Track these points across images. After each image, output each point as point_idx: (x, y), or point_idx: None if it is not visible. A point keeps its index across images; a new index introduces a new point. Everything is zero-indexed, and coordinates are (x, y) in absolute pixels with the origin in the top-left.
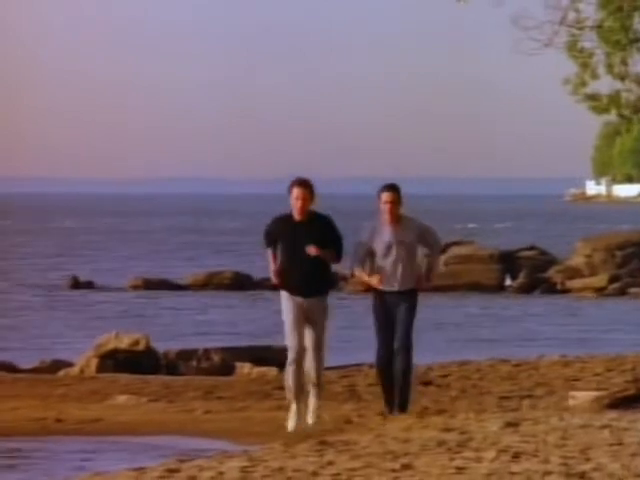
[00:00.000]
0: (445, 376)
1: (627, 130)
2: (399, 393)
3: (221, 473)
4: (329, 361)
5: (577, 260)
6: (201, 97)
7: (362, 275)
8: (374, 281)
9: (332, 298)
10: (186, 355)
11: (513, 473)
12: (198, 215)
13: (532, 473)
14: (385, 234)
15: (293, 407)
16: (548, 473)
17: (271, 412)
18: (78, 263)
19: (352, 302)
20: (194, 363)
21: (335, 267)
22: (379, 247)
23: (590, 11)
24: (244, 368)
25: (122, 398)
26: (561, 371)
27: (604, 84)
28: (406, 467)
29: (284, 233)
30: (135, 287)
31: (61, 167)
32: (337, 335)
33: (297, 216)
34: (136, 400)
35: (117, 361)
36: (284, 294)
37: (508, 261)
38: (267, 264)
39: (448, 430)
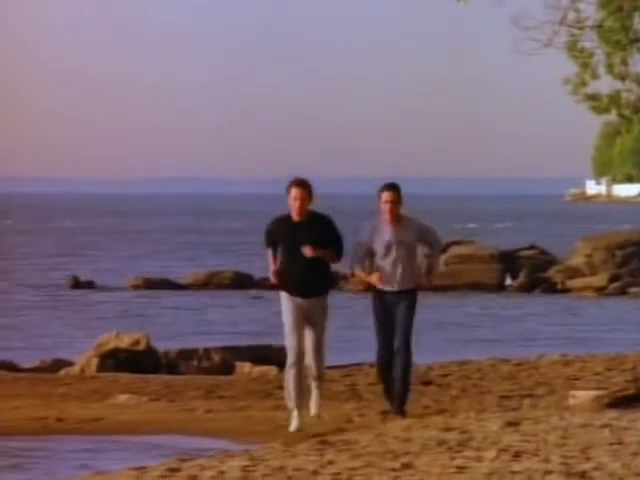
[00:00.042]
0: (445, 375)
1: (627, 130)
2: (398, 393)
3: (222, 472)
4: (330, 360)
5: (577, 260)
6: (201, 97)
7: (362, 274)
8: (374, 279)
9: (332, 298)
10: (186, 354)
11: (514, 472)
12: (198, 215)
13: (533, 472)
14: (385, 234)
15: (295, 412)
16: (549, 472)
17: (272, 411)
18: (78, 263)
19: (352, 302)
20: (194, 362)
21: (335, 266)
22: (379, 247)
23: (590, 11)
24: (244, 367)
25: (123, 397)
26: (561, 370)
27: (604, 84)
28: (406, 466)
29: (283, 234)
30: (135, 287)
31: (61, 167)
32: (337, 335)
33: (296, 217)
34: (137, 399)
35: (118, 360)
36: (284, 295)
37: (508, 261)
38: (267, 264)
39: (449, 429)
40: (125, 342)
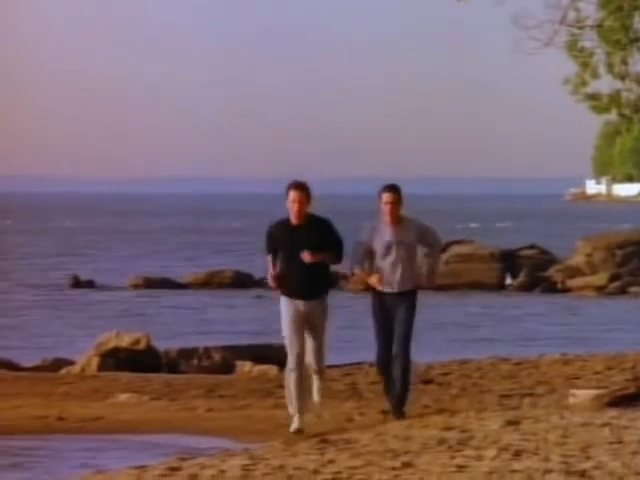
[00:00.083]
0: (446, 374)
1: (627, 130)
2: (397, 394)
3: (222, 471)
4: (330, 360)
5: (577, 259)
6: (201, 97)
7: (362, 274)
8: (373, 281)
9: (332, 297)
10: (187, 354)
11: (514, 471)
12: (198, 215)
13: (533, 471)
14: (385, 234)
15: (295, 417)
16: (549, 471)
17: (272, 410)
18: (79, 263)
19: (352, 301)
20: (195, 362)
21: (335, 266)
22: (379, 247)
23: (590, 10)
24: (245, 366)
25: (123, 396)
26: (562, 369)
27: (604, 84)
28: (407, 465)
29: (283, 238)
30: (136, 286)
31: (61, 166)
32: (337, 334)
33: (294, 220)
34: (137, 398)
35: (118, 360)
36: (283, 299)
37: (508, 260)
38: (266, 268)
39: (449, 428)
40: (125, 341)
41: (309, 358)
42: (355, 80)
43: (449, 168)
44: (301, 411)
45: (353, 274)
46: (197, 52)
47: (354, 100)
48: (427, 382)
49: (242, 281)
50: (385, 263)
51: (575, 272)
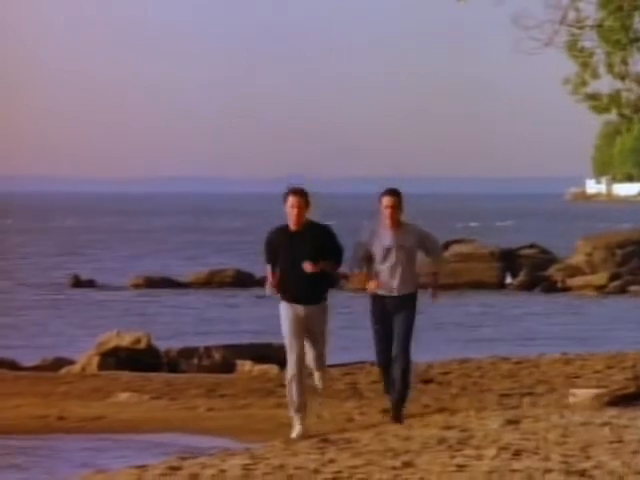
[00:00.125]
0: (446, 374)
1: (627, 129)
2: (396, 394)
3: (223, 471)
4: (330, 359)
5: (577, 258)
6: (201, 97)
7: (360, 276)
8: (371, 286)
9: (333, 297)
10: (187, 353)
11: (514, 470)
12: (198, 214)
13: (533, 471)
14: (385, 238)
15: (297, 422)
16: (549, 471)
17: (273, 410)
18: (79, 262)
19: (352, 301)
20: (195, 361)
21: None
22: (378, 251)
23: (590, 10)
24: (245, 366)
25: (124, 396)
26: (562, 369)
27: (604, 83)
28: (407, 465)
29: (282, 244)
30: (136, 285)
31: (61, 166)
32: (338, 334)
33: (293, 226)
34: (138, 398)
35: (119, 359)
36: (283, 304)
37: (509, 259)
38: (266, 275)
39: (449, 428)
40: (126, 341)
41: (310, 363)
42: (355, 80)
43: (449, 168)
44: (303, 417)
45: (352, 274)
46: (197, 52)
47: (354, 100)
48: (427, 381)
49: (243, 280)
50: (384, 267)
51: (575, 271)
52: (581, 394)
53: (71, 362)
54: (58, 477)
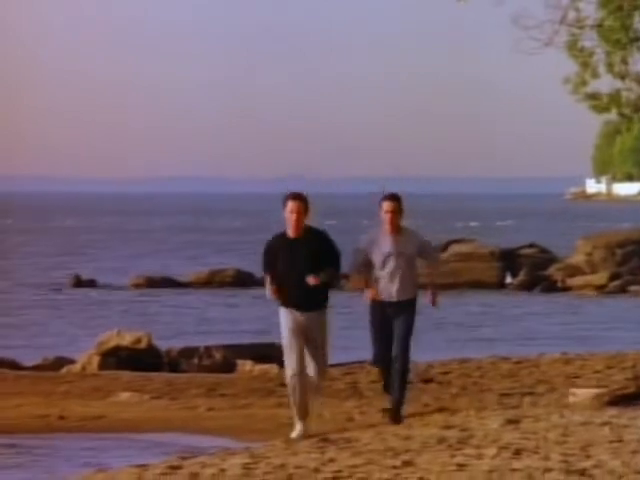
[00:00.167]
0: (446, 373)
1: (627, 129)
2: (395, 394)
3: (223, 470)
4: (331, 359)
5: (577, 258)
6: (201, 97)
7: (360, 281)
8: (369, 295)
9: (333, 297)
10: (188, 353)
11: (514, 470)
12: (198, 214)
13: (533, 470)
14: (385, 244)
15: (298, 422)
16: (549, 470)
17: (273, 409)
18: (80, 262)
19: (353, 300)
20: (196, 361)
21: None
22: (377, 258)
23: (590, 10)
24: (246, 365)
25: (125, 395)
26: (562, 368)
27: (604, 83)
28: (407, 464)
29: (281, 251)
30: (137, 285)
31: (61, 166)
32: (338, 333)
33: (292, 233)
34: (139, 397)
35: (119, 359)
36: (283, 310)
37: (509, 259)
38: (266, 284)
39: (449, 427)
40: (127, 340)
41: (309, 372)
42: (355, 80)
43: (449, 168)
44: (303, 417)
45: (352, 276)
46: (197, 52)
47: (354, 100)
48: (427, 381)
49: (243, 280)
50: (384, 273)
51: (575, 271)
52: (581, 394)
53: (72, 362)
54: (59, 476)
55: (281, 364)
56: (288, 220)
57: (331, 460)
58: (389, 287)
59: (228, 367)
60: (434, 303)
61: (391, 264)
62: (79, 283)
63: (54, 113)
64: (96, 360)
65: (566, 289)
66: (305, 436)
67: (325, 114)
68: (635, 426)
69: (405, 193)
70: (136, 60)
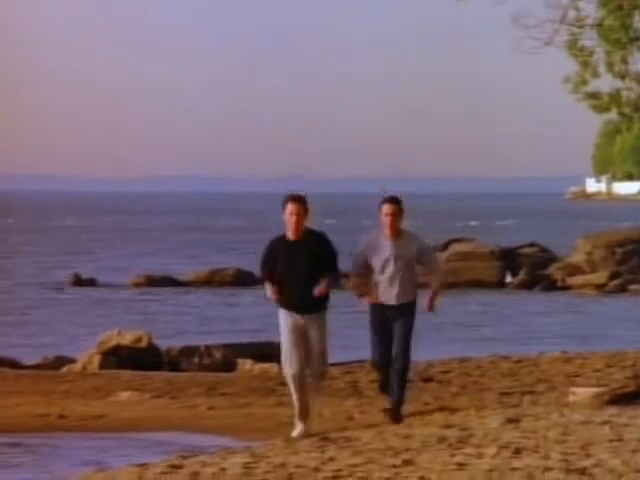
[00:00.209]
0: (446, 372)
1: (628, 128)
2: (394, 394)
3: (223, 469)
4: (331, 358)
5: (577, 257)
6: (201, 97)
7: (359, 284)
8: (367, 301)
9: (334, 296)
10: (188, 352)
11: (514, 469)
12: (199, 213)
13: (533, 469)
14: (384, 248)
15: (298, 422)
16: (549, 469)
17: (273, 408)
18: (81, 261)
19: (353, 299)
20: (196, 360)
21: (339, 265)
22: (377, 262)
23: (590, 9)
24: (246, 364)
25: (125, 394)
26: (562, 367)
27: (604, 82)
28: (407, 463)
29: (281, 254)
30: (138, 284)
31: (61, 166)
32: (339, 332)
33: (292, 235)
34: (139, 396)
35: (120, 358)
36: (282, 312)
37: (509, 258)
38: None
39: (449, 426)
40: (127, 339)
41: (309, 372)
42: (355, 80)
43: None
44: (304, 417)
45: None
46: (197, 52)
47: (354, 100)
48: (427, 380)
49: (244, 279)
50: (383, 277)
51: (575, 270)
52: (581, 393)
53: (72, 361)
54: (59, 475)
55: (281, 363)
56: (287, 222)
57: (331, 459)
58: (389, 291)
59: (228, 366)
60: (430, 308)
61: (390, 268)
62: (79, 282)
63: (54, 113)
64: (96, 359)
65: (566, 288)
66: (306, 435)
67: (325, 114)
68: (635, 425)
69: (405, 193)
70: (136, 60)
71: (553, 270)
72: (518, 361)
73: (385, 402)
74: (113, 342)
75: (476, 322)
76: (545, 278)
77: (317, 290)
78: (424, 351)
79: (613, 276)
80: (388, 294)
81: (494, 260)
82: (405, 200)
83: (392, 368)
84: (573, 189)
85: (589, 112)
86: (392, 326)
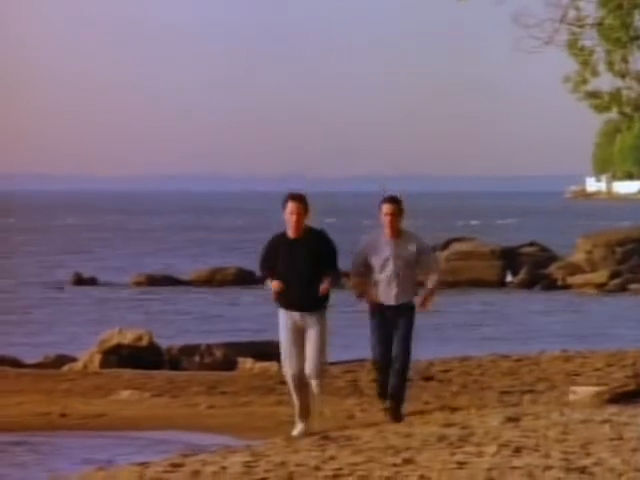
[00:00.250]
0: (446, 371)
1: (628, 127)
2: (393, 392)
3: (224, 468)
4: (331, 357)
5: (578, 256)
6: (201, 97)
7: (359, 284)
8: (368, 299)
9: (334, 295)
10: (189, 350)
11: (514, 468)
12: (200, 213)
13: (533, 468)
14: (384, 248)
15: (299, 421)
16: (549, 468)
17: (274, 407)
18: (81, 260)
19: (353, 299)
20: (197, 358)
21: (339, 264)
22: (377, 261)
23: (590, 9)
24: (246, 363)
25: (126, 393)
26: (562, 366)
27: (605, 82)
28: (408, 462)
29: (281, 252)
30: (138, 283)
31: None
32: (339, 332)
33: (292, 234)
34: (140, 395)
35: (120, 356)
36: (281, 311)
37: (509, 257)
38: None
39: (449, 425)
40: (128, 338)
41: (307, 370)
42: (355, 80)
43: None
44: (304, 417)
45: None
46: (197, 52)
47: (354, 100)
48: (428, 379)
49: (244, 278)
50: (383, 277)
51: (575, 269)
52: (581, 392)
53: (73, 359)
54: (60, 474)
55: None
56: (288, 221)
57: (332, 458)
58: (388, 291)
59: (229, 365)
60: (423, 306)
61: (390, 268)
62: (80, 281)
63: (54, 113)
64: (97, 358)
65: (566, 287)
66: (306, 434)
67: (325, 114)
68: (635, 424)
69: (405, 192)
70: (136, 60)
71: (553, 269)
72: (518, 360)
73: (384, 402)
74: (114, 341)
75: (476, 321)
76: (545, 277)
77: (322, 288)
78: (425, 350)
79: (613, 275)
80: (387, 294)
81: (494, 259)
82: (405, 199)
83: (392, 368)
84: (573, 188)
85: (589, 111)
86: (392, 326)
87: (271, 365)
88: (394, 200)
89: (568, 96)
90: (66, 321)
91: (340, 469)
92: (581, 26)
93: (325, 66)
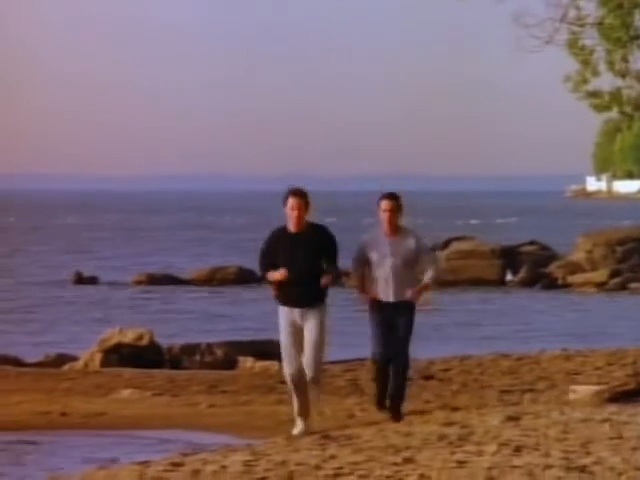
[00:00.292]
0: (446, 370)
1: (628, 127)
2: (392, 391)
3: (224, 467)
4: (331, 356)
5: (578, 255)
6: (201, 97)
7: (358, 282)
8: (367, 296)
9: (334, 294)
10: (189, 349)
11: (514, 467)
12: (200, 212)
13: (533, 467)
14: (383, 245)
15: (299, 420)
16: (549, 467)
17: (274, 406)
18: (82, 259)
19: (353, 297)
20: (197, 357)
21: (339, 263)
22: (375, 258)
23: (591, 8)
24: (247, 362)
25: (126, 392)
26: (562, 365)
27: (605, 81)
28: (408, 461)
29: (282, 247)
30: (139, 282)
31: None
32: (339, 331)
33: (293, 228)
34: (140, 394)
35: (121, 356)
36: (281, 308)
37: (509, 256)
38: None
39: (449, 424)
40: (128, 337)
41: (306, 367)
42: (355, 80)
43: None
44: (305, 416)
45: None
46: (197, 52)
47: (354, 100)
48: (428, 378)
49: (245, 277)
50: (382, 273)
51: (575, 268)
52: (581, 390)
53: (74, 358)
54: (60, 473)
55: (281, 361)
56: (289, 217)
57: (332, 457)
58: (386, 288)
59: (229, 364)
60: (412, 297)
61: (388, 265)
62: (81, 280)
63: (54, 112)
64: (98, 357)
65: (566, 286)
66: (306, 433)
67: (325, 114)
68: (635, 423)
69: (405, 191)
70: (136, 60)
71: (553, 268)
72: (519, 359)
73: (385, 402)
74: (114, 340)
75: (477, 320)
76: (545, 276)
77: (323, 281)
78: (425, 349)
79: (613, 274)
80: (386, 291)
81: (495, 258)
82: (405, 198)
83: (392, 368)
84: (574, 187)
85: (590, 111)
86: (391, 323)
87: (272, 364)
88: (393, 196)
89: (568, 96)
90: (67, 320)
91: (340, 468)
92: (581, 25)
93: (325, 66)
